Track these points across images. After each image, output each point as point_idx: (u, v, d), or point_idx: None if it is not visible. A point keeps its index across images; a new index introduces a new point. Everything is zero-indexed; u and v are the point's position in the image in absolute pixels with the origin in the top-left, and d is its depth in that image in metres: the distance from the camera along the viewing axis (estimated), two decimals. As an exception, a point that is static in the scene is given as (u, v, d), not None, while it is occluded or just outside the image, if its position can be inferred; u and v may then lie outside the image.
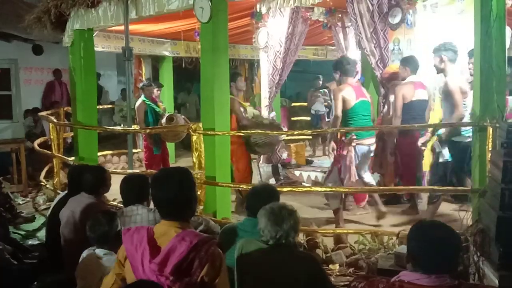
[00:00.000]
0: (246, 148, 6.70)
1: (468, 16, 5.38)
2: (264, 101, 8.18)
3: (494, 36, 4.25)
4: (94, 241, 3.41)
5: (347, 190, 6.53)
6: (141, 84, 8.76)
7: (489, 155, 4.18)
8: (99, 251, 3.35)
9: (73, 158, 7.91)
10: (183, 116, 8.61)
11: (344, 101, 5.65)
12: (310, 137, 10.97)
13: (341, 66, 5.89)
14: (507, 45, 5.07)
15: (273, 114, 7.78)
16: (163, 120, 8.11)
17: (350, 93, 5.69)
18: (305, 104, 12.07)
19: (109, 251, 3.32)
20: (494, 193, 3.45)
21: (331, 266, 4.60)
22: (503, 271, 3.21)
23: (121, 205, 4.47)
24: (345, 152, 5.70)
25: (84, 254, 3.41)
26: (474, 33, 4.47)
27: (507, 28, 4.87)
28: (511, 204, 3.26)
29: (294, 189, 6.35)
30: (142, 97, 8.28)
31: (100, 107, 11.17)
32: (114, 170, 6.98)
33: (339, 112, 5.67)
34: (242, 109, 6.69)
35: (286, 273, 2.82)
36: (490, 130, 4.25)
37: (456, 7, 6.56)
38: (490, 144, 4.25)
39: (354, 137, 5.65)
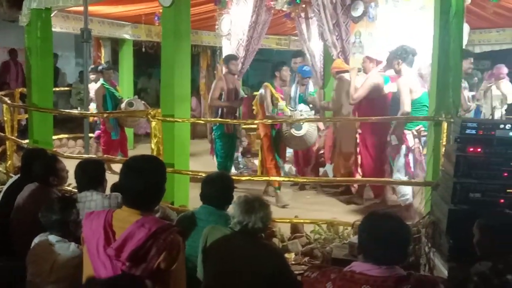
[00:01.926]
0: (279, 141, 6.62)
1: (428, 11, 5.46)
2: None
3: (452, 33, 4.34)
4: (47, 227, 3.33)
5: (304, 180, 6.63)
6: (99, 67, 8.58)
7: (443, 149, 4.29)
8: (52, 238, 3.27)
9: (27, 141, 7.71)
10: (143, 102, 8.51)
11: (410, 92, 5.42)
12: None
13: (405, 55, 5.54)
14: (464, 41, 5.20)
15: (303, 107, 6.87)
16: (123, 105, 7.99)
17: (416, 83, 5.50)
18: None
19: (62, 238, 3.26)
20: (446, 187, 3.52)
21: (287, 255, 4.64)
22: (452, 262, 3.29)
23: (76, 191, 4.38)
24: (411, 145, 5.44)
25: (36, 240, 3.33)
26: (433, 29, 4.56)
27: (465, 25, 4.98)
28: (462, 198, 3.34)
29: (253, 178, 6.36)
30: (101, 81, 8.11)
31: (57, 89, 10.90)
32: (69, 155, 6.83)
33: (408, 107, 5.40)
34: (270, 100, 6.55)
35: (250, 261, 2.84)
36: (445, 124, 4.35)
37: (417, 2, 6.66)
38: (444, 139, 4.35)
39: (422, 128, 5.32)
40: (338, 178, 6.48)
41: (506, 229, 2.68)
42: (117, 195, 3.67)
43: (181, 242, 2.36)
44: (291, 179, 6.74)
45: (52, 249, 3.20)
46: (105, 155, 7.45)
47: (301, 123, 6.24)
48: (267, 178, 6.49)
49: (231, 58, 7.20)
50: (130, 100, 8.15)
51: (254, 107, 7.07)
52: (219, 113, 7.06)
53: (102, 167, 3.99)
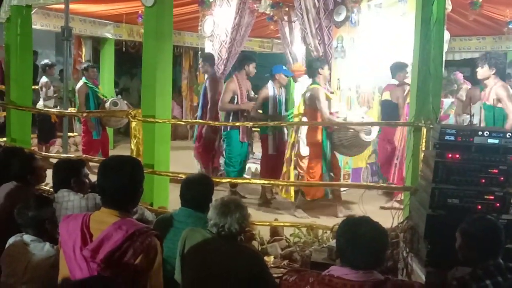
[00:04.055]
0: (332, 147, 5.98)
1: (410, 18, 5.52)
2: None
3: (433, 40, 4.38)
4: (22, 226, 3.28)
5: (288, 183, 6.58)
6: (84, 65, 8.50)
7: (422, 155, 4.32)
8: (27, 237, 3.22)
9: (4, 139, 7.60)
10: (125, 102, 8.45)
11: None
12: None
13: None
14: (445, 49, 5.25)
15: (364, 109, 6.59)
16: (107, 104, 7.92)
17: None
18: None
19: (37, 237, 3.21)
20: (425, 192, 3.55)
21: (266, 258, 4.63)
22: (430, 267, 3.31)
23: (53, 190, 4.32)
24: None
25: (11, 240, 3.28)
26: (414, 36, 4.59)
27: (446, 32, 5.03)
28: (440, 203, 3.36)
29: (233, 181, 6.34)
30: (84, 79, 8.04)
31: (36, 87, 10.76)
32: (47, 154, 6.73)
33: None
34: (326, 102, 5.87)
35: (228, 265, 2.83)
36: (424, 130, 4.39)
37: (398, 9, 6.73)
38: (423, 144, 4.39)
39: None
40: (328, 182, 6.29)
41: (487, 235, 2.70)
42: (95, 196, 3.62)
43: (159, 246, 2.36)
44: (271, 182, 6.41)
45: (27, 249, 3.15)
46: (84, 155, 7.36)
47: (370, 127, 5.79)
48: (248, 181, 6.44)
49: (252, 60, 6.81)
50: (114, 99, 8.07)
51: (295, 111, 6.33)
52: (231, 118, 6.61)
53: (79, 167, 3.94)
